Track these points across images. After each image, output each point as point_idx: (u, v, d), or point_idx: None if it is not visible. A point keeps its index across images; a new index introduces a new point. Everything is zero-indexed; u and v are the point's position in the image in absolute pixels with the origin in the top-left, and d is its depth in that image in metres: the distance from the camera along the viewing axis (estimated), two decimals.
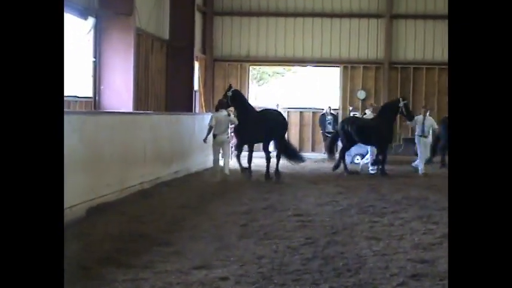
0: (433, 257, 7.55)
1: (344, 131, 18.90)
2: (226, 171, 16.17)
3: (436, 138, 20.28)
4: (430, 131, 19.44)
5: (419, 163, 19.05)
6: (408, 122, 19.92)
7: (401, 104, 18.70)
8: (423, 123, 18.85)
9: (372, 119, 19.58)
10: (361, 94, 27.41)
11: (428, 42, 27.39)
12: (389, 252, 7.81)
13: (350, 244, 8.28)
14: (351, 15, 27.51)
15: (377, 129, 18.48)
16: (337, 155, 19.54)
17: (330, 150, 19.70)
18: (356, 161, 22.51)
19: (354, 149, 22.84)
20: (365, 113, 22.24)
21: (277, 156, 16.71)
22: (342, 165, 18.63)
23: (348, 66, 27.61)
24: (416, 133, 19.20)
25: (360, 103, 27.35)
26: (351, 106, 27.23)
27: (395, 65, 27.35)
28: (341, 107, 27.61)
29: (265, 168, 16.60)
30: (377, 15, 27.41)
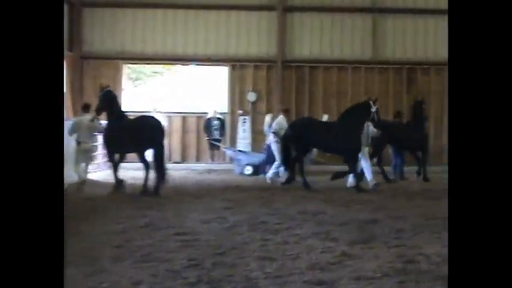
0: (332, 278, 7.65)
1: (297, 136, 18.21)
2: (83, 177, 16.14)
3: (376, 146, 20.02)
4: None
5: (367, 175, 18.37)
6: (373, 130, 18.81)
7: (373, 109, 17.97)
8: (366, 130, 18.56)
9: (334, 123, 19.05)
10: (252, 96, 27.57)
11: (325, 39, 27.90)
12: (284, 273, 7.87)
13: (239, 265, 8.31)
14: (238, 7, 27.65)
15: (343, 135, 17.80)
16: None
17: (288, 164, 18.71)
18: (246, 172, 22.69)
19: (245, 158, 23.06)
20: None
21: (156, 167, 16.54)
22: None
23: (237, 65, 27.74)
24: None
25: (250, 106, 27.56)
26: (240, 110, 27.38)
27: (289, 64, 27.68)
28: (229, 111, 27.73)
29: (142, 181, 16.48)
30: (269, 8, 27.67)
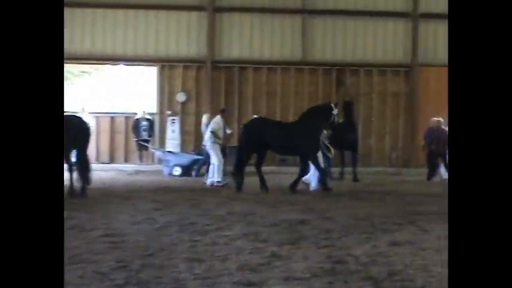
0: (262, 278, 7.65)
1: (253, 138, 17.83)
2: None
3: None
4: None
5: (313, 177, 18.31)
6: (326, 132, 18.44)
7: (335, 111, 17.72)
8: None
9: (292, 124, 18.75)
10: (181, 97, 27.53)
11: (255, 39, 27.97)
12: (212, 275, 7.84)
13: (168, 267, 8.25)
14: (168, 7, 27.54)
15: (303, 135, 17.40)
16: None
17: (240, 169, 18.22)
18: (175, 173, 22.60)
19: (174, 159, 22.98)
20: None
21: (79, 168, 16.25)
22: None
23: (166, 65, 27.66)
24: None
25: (180, 106, 27.49)
26: (169, 110, 27.29)
27: (219, 64, 27.70)
28: (158, 111, 27.61)
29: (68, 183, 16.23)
30: (198, 8, 27.63)
